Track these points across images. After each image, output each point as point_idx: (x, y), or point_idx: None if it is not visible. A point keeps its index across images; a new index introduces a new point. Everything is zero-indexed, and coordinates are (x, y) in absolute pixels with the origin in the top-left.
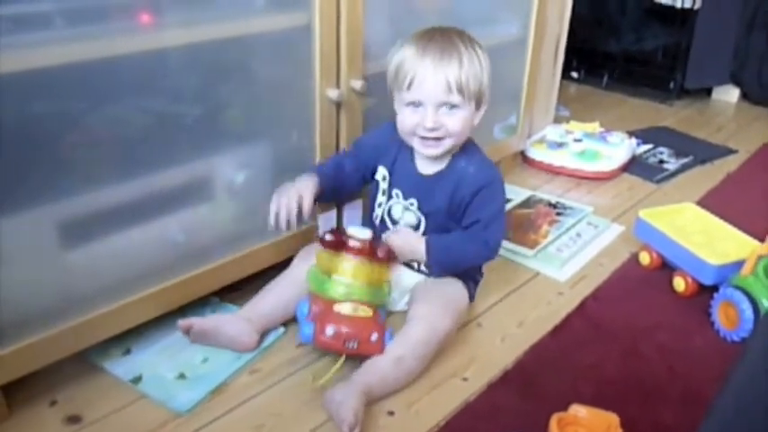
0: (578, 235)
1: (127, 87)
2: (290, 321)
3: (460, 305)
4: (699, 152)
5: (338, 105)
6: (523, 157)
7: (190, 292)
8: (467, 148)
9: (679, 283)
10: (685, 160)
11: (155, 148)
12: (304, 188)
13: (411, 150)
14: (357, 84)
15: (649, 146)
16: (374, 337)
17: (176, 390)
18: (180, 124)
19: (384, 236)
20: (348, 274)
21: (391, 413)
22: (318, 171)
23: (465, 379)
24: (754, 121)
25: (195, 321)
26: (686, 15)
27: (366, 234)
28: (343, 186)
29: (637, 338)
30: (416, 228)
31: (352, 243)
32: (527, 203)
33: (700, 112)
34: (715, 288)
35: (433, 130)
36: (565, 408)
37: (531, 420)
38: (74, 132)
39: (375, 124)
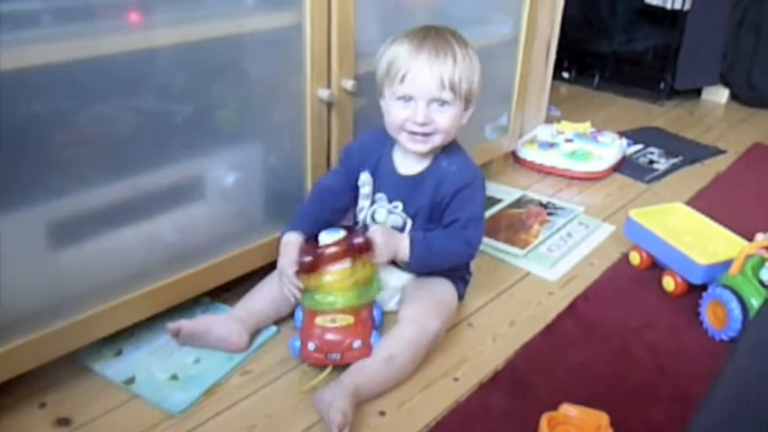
0: (569, 235)
1: (116, 87)
2: (283, 320)
3: (450, 305)
4: (688, 152)
5: (329, 105)
6: (515, 157)
7: (181, 293)
8: (450, 148)
9: (668, 283)
10: (675, 160)
11: (145, 147)
12: (286, 267)
13: (392, 154)
14: (348, 83)
15: (640, 146)
16: (357, 344)
17: (169, 391)
18: (170, 124)
19: (368, 233)
20: (331, 288)
21: (382, 413)
22: (299, 215)
23: (456, 379)
24: (743, 121)
25: (184, 324)
26: (676, 16)
27: (337, 234)
28: (338, 205)
29: (627, 338)
30: (402, 230)
31: (328, 252)
32: (518, 203)
33: (690, 113)
34: (704, 287)
35: (423, 125)
36: (555, 407)
37: (522, 420)
38: (64, 132)
39: (366, 124)
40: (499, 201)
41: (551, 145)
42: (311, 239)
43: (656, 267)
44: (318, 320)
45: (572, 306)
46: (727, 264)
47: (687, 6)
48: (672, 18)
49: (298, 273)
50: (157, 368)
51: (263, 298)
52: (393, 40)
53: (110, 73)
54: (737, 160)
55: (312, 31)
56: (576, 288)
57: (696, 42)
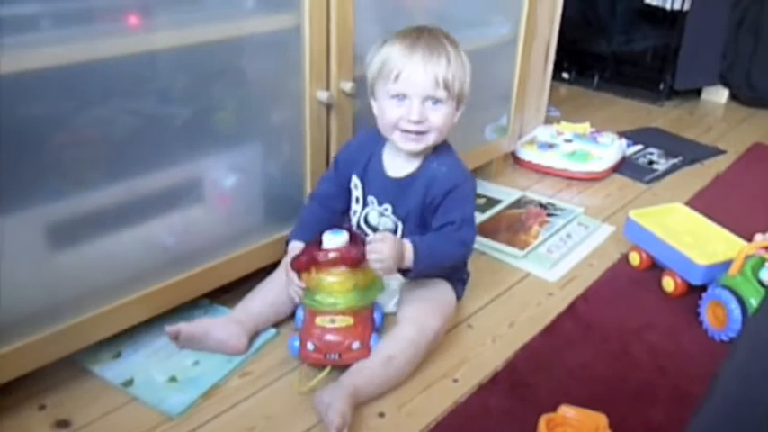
0: (569, 236)
1: (115, 90)
2: (282, 323)
3: (449, 304)
4: (688, 153)
5: (328, 107)
6: (514, 157)
7: (180, 295)
8: (440, 149)
9: (668, 284)
10: (675, 161)
11: (144, 150)
12: (290, 268)
13: (381, 156)
14: (347, 85)
15: (639, 146)
16: (355, 345)
17: (167, 393)
18: (169, 127)
19: (369, 246)
20: (332, 289)
21: (382, 414)
22: (300, 225)
23: (455, 380)
24: (743, 121)
25: (182, 327)
26: (676, 17)
27: (339, 239)
28: (337, 208)
29: (626, 338)
30: (394, 233)
31: (327, 257)
32: (518, 204)
33: (689, 113)
34: (704, 288)
35: (417, 122)
36: (555, 408)
37: (522, 421)
38: (62, 135)
39: (365, 126)
40: (499, 201)
41: (551, 146)
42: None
43: (655, 268)
44: (318, 321)
45: (571, 307)
46: (726, 264)
47: (687, 7)
48: (671, 18)
49: (292, 267)
50: (156, 370)
51: (263, 300)
52: (384, 41)
53: (109, 76)
54: (737, 160)
55: (311, 33)
56: (576, 289)
57: (696, 43)
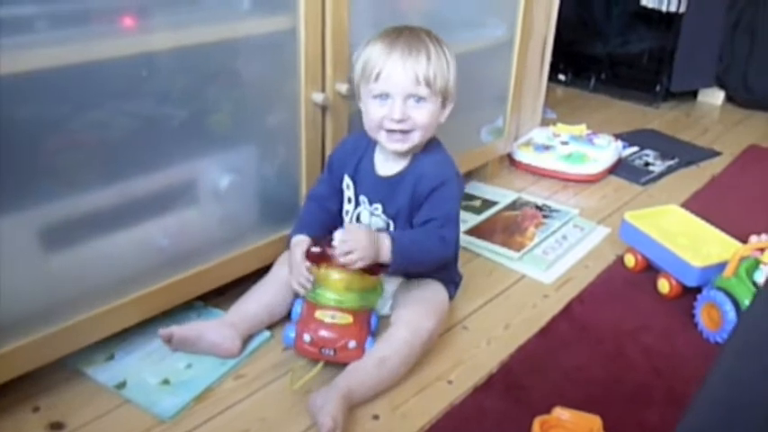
0: (564, 237)
1: (110, 91)
2: (276, 326)
3: (442, 306)
4: (684, 154)
5: (323, 109)
6: (510, 159)
7: (174, 297)
8: (430, 146)
9: (663, 285)
10: (671, 162)
11: (139, 151)
12: (299, 261)
13: (372, 156)
14: (342, 87)
15: (635, 148)
16: (352, 344)
17: (160, 396)
18: (164, 128)
19: (341, 234)
20: (337, 286)
21: (376, 417)
22: (302, 221)
23: (450, 382)
24: (739, 123)
25: (176, 330)
26: (672, 19)
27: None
28: (333, 208)
29: (621, 340)
30: (386, 231)
31: (335, 255)
32: (513, 206)
33: (685, 115)
34: (699, 290)
35: (400, 121)
36: (550, 410)
37: (517, 423)
38: (56, 136)
39: (360, 128)
40: (494, 203)
41: (547, 147)
42: (322, 238)
43: (650, 270)
44: (318, 314)
45: (567, 309)
46: (721, 266)
47: (682, 9)
48: (667, 20)
49: (306, 256)
50: (149, 373)
51: (258, 302)
52: (367, 41)
53: (104, 77)
54: (733, 162)
55: (306, 35)
56: (571, 291)
57: (692, 44)
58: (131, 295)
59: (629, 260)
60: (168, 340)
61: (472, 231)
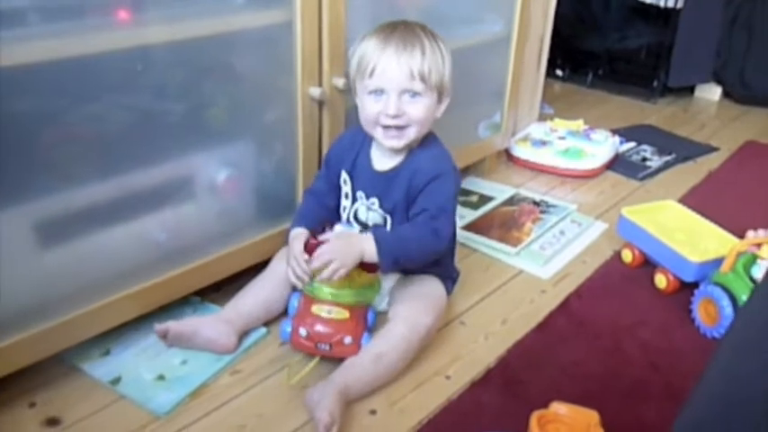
0: (562, 233)
1: (105, 85)
2: (272, 322)
3: (439, 302)
4: (681, 150)
5: (320, 103)
6: (508, 155)
7: (171, 292)
8: (427, 141)
9: (661, 281)
10: (668, 158)
11: (134, 146)
12: (298, 253)
13: (369, 151)
14: (339, 82)
15: (633, 144)
16: (347, 339)
17: (155, 391)
18: (160, 123)
19: (317, 251)
20: (334, 281)
21: (374, 412)
22: (300, 215)
23: (448, 377)
24: (736, 119)
25: (171, 325)
26: (669, 14)
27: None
28: (331, 204)
29: (619, 335)
30: (384, 226)
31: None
32: (511, 201)
33: (683, 110)
34: (696, 285)
35: (395, 117)
36: (547, 405)
37: (514, 418)
38: (51, 130)
39: (357, 122)
40: (492, 199)
41: (544, 143)
42: (321, 232)
43: (648, 265)
44: (315, 309)
45: (564, 304)
46: (718, 261)
47: (680, 4)
48: (665, 16)
49: (305, 250)
50: (144, 369)
51: (255, 298)
52: (362, 36)
53: (98, 71)
54: (730, 158)
55: (303, 28)
56: (569, 286)
57: (689, 40)
58: (128, 290)
59: (627, 255)
60: (164, 336)
61: (469, 227)
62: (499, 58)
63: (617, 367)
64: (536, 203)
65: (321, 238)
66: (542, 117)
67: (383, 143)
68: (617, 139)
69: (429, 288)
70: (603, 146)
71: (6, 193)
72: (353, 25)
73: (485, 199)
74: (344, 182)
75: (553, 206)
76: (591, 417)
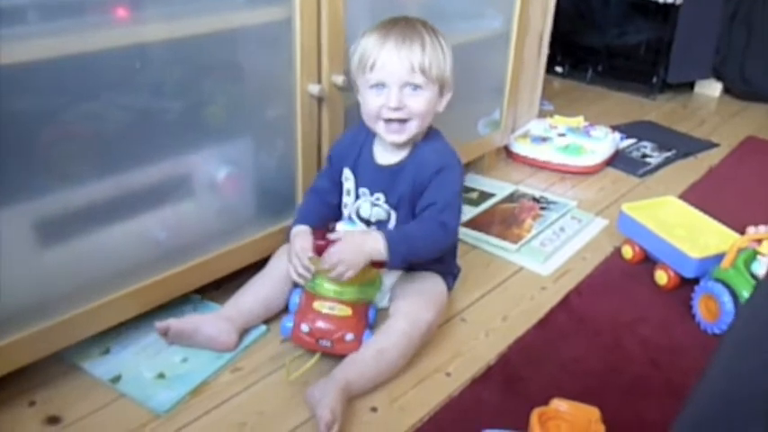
0: (562, 229)
1: (104, 83)
2: (272, 319)
3: (440, 298)
4: (681, 146)
5: (320, 101)
6: (507, 151)
7: (170, 291)
8: (429, 136)
9: (661, 277)
10: (668, 154)
11: (133, 144)
12: (299, 251)
13: (372, 147)
14: (339, 79)
15: (633, 140)
16: (349, 336)
17: (155, 390)
18: (159, 121)
19: (326, 253)
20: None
21: (374, 409)
22: (302, 213)
23: (448, 374)
24: (736, 114)
25: (172, 323)
26: (669, 10)
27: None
28: (334, 201)
29: (619, 332)
30: (387, 223)
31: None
32: (511, 198)
33: (682, 106)
34: (696, 281)
35: (397, 109)
36: (548, 402)
37: (515, 415)
38: (50, 129)
39: (357, 120)
40: (492, 195)
41: (544, 139)
42: (323, 229)
43: (648, 261)
44: (316, 305)
45: (565, 300)
46: (719, 257)
47: (679, 0)
48: (664, 12)
49: (314, 251)
50: (144, 367)
51: (255, 295)
52: (363, 33)
53: (97, 69)
54: (730, 154)
55: (302, 25)
56: (569, 282)
57: (689, 36)
58: (128, 288)
59: (627, 252)
60: (164, 333)
61: (470, 223)
62: (499, 55)
63: (617, 364)
64: (536, 200)
65: (331, 237)
66: (542, 113)
67: (385, 138)
68: (617, 135)
69: (430, 284)
70: (603, 142)
71: (6, 191)
72: (353, 22)
73: (485, 196)
74: (346, 179)
75: (553, 203)
76: (592, 413)
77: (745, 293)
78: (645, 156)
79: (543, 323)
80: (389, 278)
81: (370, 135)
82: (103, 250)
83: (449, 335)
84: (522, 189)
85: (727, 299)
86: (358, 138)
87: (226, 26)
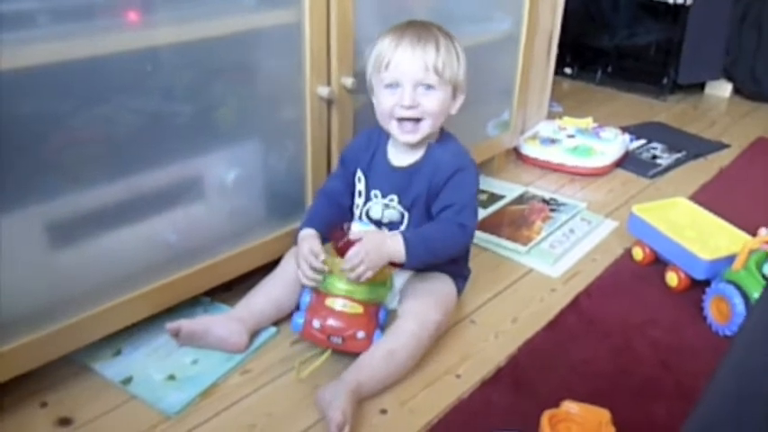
0: (572, 231)
1: (115, 86)
2: (282, 321)
3: (450, 299)
4: (692, 147)
5: (329, 103)
6: (517, 153)
7: (181, 293)
8: (442, 138)
9: (672, 278)
10: (678, 155)
11: (144, 147)
12: (307, 253)
13: (386, 149)
14: (348, 81)
15: (642, 141)
16: (360, 334)
17: (165, 391)
18: (169, 123)
19: (350, 253)
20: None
21: (384, 411)
22: (310, 215)
23: (458, 376)
24: (747, 115)
25: (183, 324)
26: (679, 11)
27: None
28: (344, 203)
29: (630, 334)
30: (399, 225)
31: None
32: (520, 200)
33: (693, 107)
34: (707, 283)
35: (410, 108)
36: (557, 404)
37: (525, 417)
38: (62, 132)
39: (367, 122)
40: (501, 197)
41: (553, 141)
42: (341, 230)
43: (659, 263)
44: (328, 302)
45: (574, 302)
46: (730, 259)
47: (689, 1)
48: (674, 12)
49: (336, 251)
50: (155, 368)
51: (266, 296)
52: (378, 36)
53: (108, 73)
54: (741, 155)
55: (311, 28)
56: (579, 284)
57: (699, 37)
58: (138, 291)
59: (637, 253)
60: (176, 334)
61: (479, 225)
62: (508, 56)
63: (627, 366)
64: (545, 202)
65: (352, 237)
66: (551, 115)
67: (398, 138)
68: (627, 136)
69: (439, 285)
70: (613, 144)
71: (18, 194)
72: (362, 24)
73: (494, 197)
74: (359, 180)
75: (563, 204)
76: (602, 415)
77: (757, 295)
78: (655, 157)
79: (553, 325)
80: (399, 279)
81: (384, 137)
82: (114, 252)
83: (458, 337)
84: (532, 191)
85: (738, 300)
86: (371, 140)
87: (236, 29)
